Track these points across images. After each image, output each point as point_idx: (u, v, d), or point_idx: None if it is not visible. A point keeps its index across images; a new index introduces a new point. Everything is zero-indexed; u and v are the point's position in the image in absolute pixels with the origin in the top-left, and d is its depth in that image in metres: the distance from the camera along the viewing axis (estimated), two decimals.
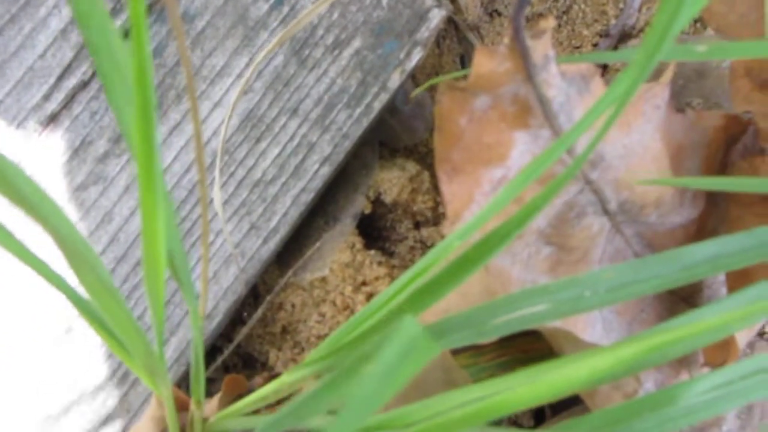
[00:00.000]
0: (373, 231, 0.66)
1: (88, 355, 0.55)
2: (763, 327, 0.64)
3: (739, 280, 0.57)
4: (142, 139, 0.25)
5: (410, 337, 0.24)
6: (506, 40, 0.46)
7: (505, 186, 0.50)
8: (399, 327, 0.24)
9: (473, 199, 0.48)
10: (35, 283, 0.55)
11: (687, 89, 0.65)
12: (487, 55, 0.46)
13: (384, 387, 0.23)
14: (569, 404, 0.60)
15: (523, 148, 0.48)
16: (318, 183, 0.58)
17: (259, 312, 0.60)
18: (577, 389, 0.43)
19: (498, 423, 0.58)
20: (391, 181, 0.61)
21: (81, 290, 0.39)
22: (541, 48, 0.46)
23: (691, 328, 0.28)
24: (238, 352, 0.62)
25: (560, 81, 0.47)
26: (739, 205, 0.57)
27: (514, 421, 0.61)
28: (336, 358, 0.47)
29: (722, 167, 0.57)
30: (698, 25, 0.68)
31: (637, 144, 0.51)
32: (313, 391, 0.36)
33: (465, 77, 0.48)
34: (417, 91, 0.56)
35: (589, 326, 0.53)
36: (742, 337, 0.58)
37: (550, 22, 0.45)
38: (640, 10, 0.68)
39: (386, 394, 0.23)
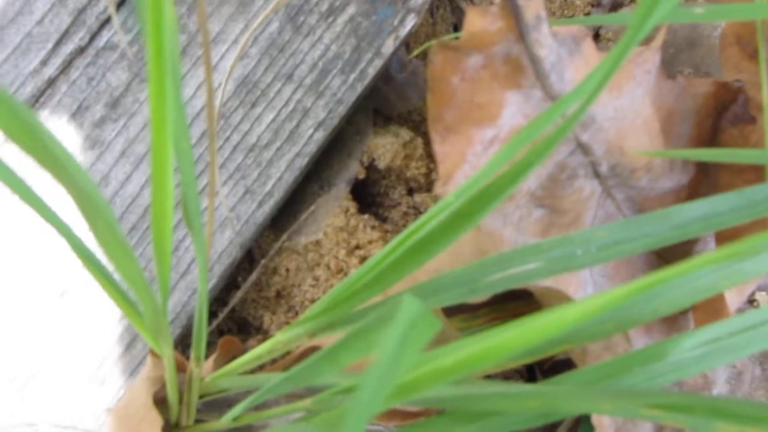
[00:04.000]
0: (367, 197, 0.66)
1: (82, 318, 0.56)
2: (753, 294, 0.64)
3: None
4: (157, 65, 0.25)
5: (412, 316, 0.25)
6: None
7: (500, 147, 0.50)
8: (400, 307, 0.25)
9: (465, 159, 0.49)
10: (29, 247, 0.56)
11: (678, 58, 0.66)
12: (479, 14, 0.46)
13: (392, 369, 0.23)
14: (560, 369, 0.60)
15: (514, 108, 0.48)
16: (312, 148, 0.59)
17: (254, 276, 0.60)
18: (568, 334, 0.43)
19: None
20: (385, 147, 0.62)
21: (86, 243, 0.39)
22: (532, 8, 0.46)
23: (677, 269, 0.29)
24: (232, 317, 0.63)
25: (552, 41, 0.48)
26: (730, 172, 0.57)
27: None
28: (329, 315, 0.47)
29: (713, 134, 0.58)
30: None
31: (628, 107, 0.52)
32: (326, 350, 0.36)
33: (458, 39, 0.48)
34: (413, 55, 0.57)
35: (580, 288, 0.54)
36: (733, 303, 0.58)
37: None
38: None
39: (395, 376, 0.23)
